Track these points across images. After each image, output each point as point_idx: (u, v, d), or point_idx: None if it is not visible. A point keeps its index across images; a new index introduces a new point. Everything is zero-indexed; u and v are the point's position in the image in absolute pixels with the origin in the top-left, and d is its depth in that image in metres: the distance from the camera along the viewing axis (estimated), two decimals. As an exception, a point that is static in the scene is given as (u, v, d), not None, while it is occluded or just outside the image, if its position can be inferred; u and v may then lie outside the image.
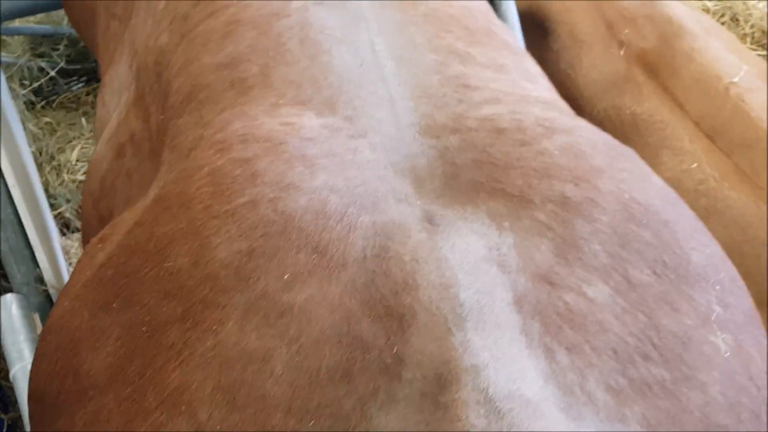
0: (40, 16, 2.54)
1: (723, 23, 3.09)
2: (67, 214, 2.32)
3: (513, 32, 1.70)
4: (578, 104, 2.19)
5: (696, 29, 2.10)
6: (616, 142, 0.77)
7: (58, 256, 1.72)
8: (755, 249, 1.85)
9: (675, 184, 1.96)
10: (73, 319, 0.67)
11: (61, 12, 2.55)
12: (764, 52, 2.93)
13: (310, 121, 0.74)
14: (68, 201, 2.35)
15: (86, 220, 1.17)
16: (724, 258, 0.70)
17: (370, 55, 0.83)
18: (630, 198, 0.67)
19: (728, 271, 0.68)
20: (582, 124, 0.77)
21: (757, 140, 1.89)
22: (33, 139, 2.49)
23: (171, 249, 0.64)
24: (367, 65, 0.82)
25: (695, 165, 1.94)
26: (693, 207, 1.95)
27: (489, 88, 0.80)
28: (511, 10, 1.98)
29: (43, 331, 0.74)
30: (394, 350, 0.55)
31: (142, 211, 0.72)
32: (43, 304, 1.61)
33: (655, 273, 0.63)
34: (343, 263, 0.59)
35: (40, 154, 2.46)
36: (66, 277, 1.72)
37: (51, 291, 1.63)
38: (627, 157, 0.74)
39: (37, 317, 1.54)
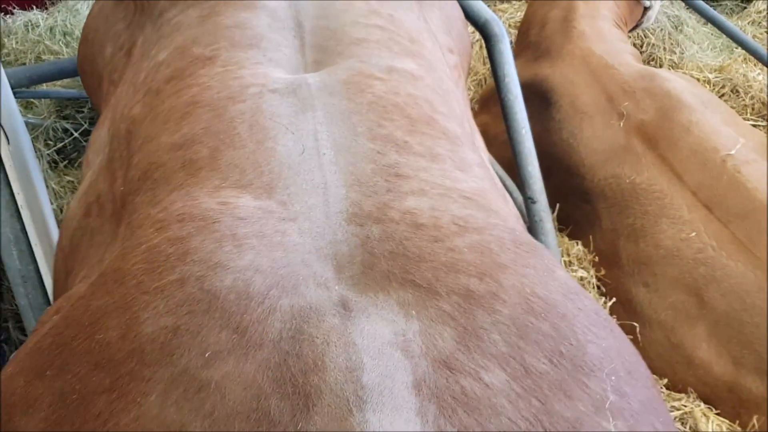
0: (66, 81, 2.67)
1: (723, 94, 3.18)
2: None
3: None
4: (580, 172, 2.26)
5: (694, 103, 2.18)
6: (526, 239, 0.81)
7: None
8: (754, 318, 1.87)
9: (674, 252, 2.02)
10: (12, 383, 0.71)
11: (88, 77, 2.69)
12: (764, 123, 3.01)
13: (246, 203, 0.80)
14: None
15: (56, 276, 1.22)
16: (623, 349, 0.73)
17: (312, 143, 0.89)
18: (531, 292, 0.71)
19: (626, 361, 0.71)
20: (494, 222, 0.82)
21: (753, 211, 1.94)
22: (55, 196, 2.59)
23: (103, 322, 0.69)
24: (308, 153, 0.87)
25: (694, 234, 1.99)
26: (692, 275, 2.01)
27: (418, 178, 0.85)
28: (514, 83, 2.07)
29: None
30: (299, 427, 0.59)
31: (87, 284, 0.77)
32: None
33: (551, 362, 0.66)
34: (260, 343, 0.64)
35: (61, 211, 2.55)
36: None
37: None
38: (533, 254, 0.78)
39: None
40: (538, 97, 2.36)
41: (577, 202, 2.28)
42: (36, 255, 1.66)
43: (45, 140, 2.70)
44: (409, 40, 1.17)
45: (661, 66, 3.38)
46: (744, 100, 3.09)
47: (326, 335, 0.65)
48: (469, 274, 0.72)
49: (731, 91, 3.14)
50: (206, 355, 0.63)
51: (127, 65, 1.30)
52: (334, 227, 0.78)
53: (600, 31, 2.45)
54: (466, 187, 0.87)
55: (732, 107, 3.12)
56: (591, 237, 2.20)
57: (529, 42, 2.57)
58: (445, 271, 0.72)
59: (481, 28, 2.00)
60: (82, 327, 0.69)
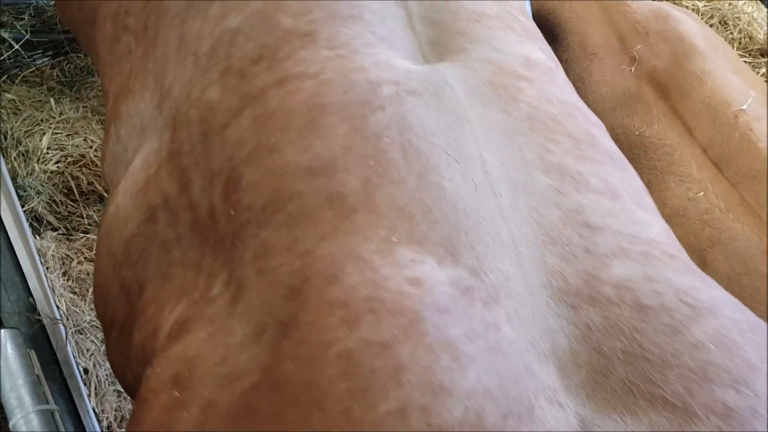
0: (3, -17, 2.29)
1: (711, 25, 3.09)
2: (39, 209, 2.15)
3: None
4: (585, 119, 2.15)
5: (706, 49, 2.08)
6: (753, 318, 0.73)
7: (44, 279, 1.58)
8: (755, 281, 1.88)
9: (681, 211, 1.98)
10: None
11: (28, -21, 2.32)
12: (750, 60, 2.95)
13: (435, 276, 0.66)
14: (39, 194, 2.17)
15: (103, 284, 1.03)
16: None
17: (481, 177, 0.75)
18: None
19: None
20: (719, 295, 0.73)
21: (762, 172, 1.90)
22: (-5, 120, 2.28)
23: None
24: (482, 192, 0.74)
25: (701, 194, 1.94)
26: (697, 236, 1.97)
27: (609, 229, 0.75)
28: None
29: None
30: None
31: (250, 385, 0.63)
32: (36, 336, 1.48)
33: None
34: None
35: (5, 138, 2.25)
36: (54, 306, 1.59)
37: (44, 321, 1.50)
38: (765, 335, 0.70)
39: (33, 354, 1.42)
40: (545, 32, 2.19)
41: (578, 149, 2.18)
42: (5, 224, 1.45)
43: (-22, 52, 2.34)
44: (520, 11, 1.01)
45: (648, -12, 3.22)
46: (732, 33, 3.01)
47: None
48: (724, 384, 0.62)
49: (719, 22, 3.05)
50: None
51: (155, 14, 1.06)
52: (543, 309, 0.66)
53: (612, -38, 2.26)
54: (657, 233, 0.78)
55: (719, 39, 3.04)
56: (593, 188, 2.12)
57: (533, -34, 2.35)
58: (698, 382, 0.62)
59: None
60: None
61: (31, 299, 1.47)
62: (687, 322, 0.67)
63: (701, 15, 3.06)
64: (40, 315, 1.48)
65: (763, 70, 2.89)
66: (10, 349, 1.36)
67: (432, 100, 0.82)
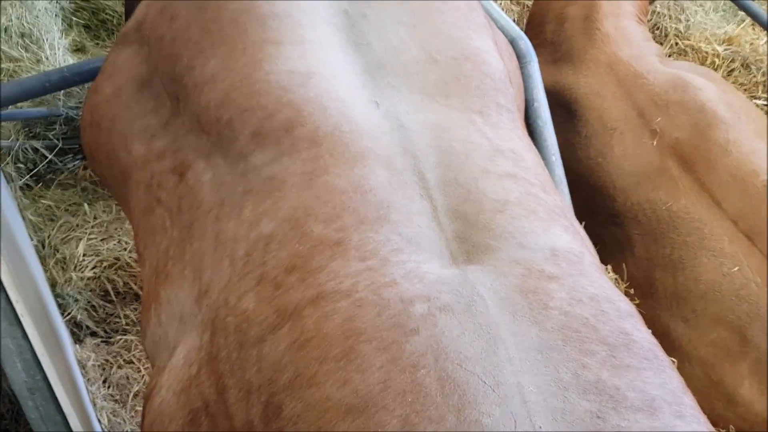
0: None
1: (733, 70, 3.05)
2: (78, 317, 2.21)
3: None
4: (610, 194, 2.13)
5: (729, 116, 2.05)
6: None
7: (89, 413, 1.62)
8: (799, 357, 1.83)
9: (716, 287, 1.94)
10: None
11: (56, 93, 2.41)
12: (778, 105, 2.90)
13: None
14: (77, 301, 2.23)
15: None
16: None
17: (520, 408, 0.75)
18: None
19: None
20: None
21: (797, 243, 1.86)
22: (34, 230, 2.36)
23: None
24: (520, 426, 0.73)
25: (736, 269, 1.90)
26: (734, 313, 1.93)
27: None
28: (538, 89, 1.91)
29: None
30: None
31: None
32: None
33: None
34: None
35: (43, 247, 2.33)
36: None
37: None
38: None
39: (75, 495, 1.45)
40: (561, 107, 2.19)
41: (605, 223, 2.16)
42: (43, 364, 1.49)
43: (15, 164, 2.44)
44: (541, 187, 1.01)
45: (666, 36, 3.20)
46: (756, 76, 2.96)
47: None
48: None
49: (741, 65, 3.01)
50: None
51: (188, 198, 1.08)
52: None
53: (625, 32, 2.25)
54: None
55: (742, 84, 3.00)
56: (624, 264, 2.09)
57: (546, 40, 2.37)
58: None
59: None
60: None
61: (72, 435, 1.50)
62: None
63: (722, 60, 3.03)
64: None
65: (792, 114, 2.83)
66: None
67: (464, 317, 0.82)
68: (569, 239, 0.98)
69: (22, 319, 1.45)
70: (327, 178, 0.96)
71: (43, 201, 2.50)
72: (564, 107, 2.22)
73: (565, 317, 0.84)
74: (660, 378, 0.84)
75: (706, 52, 3.04)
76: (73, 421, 1.51)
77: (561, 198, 1.14)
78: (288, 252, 0.92)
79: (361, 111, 1.03)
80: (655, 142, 2.07)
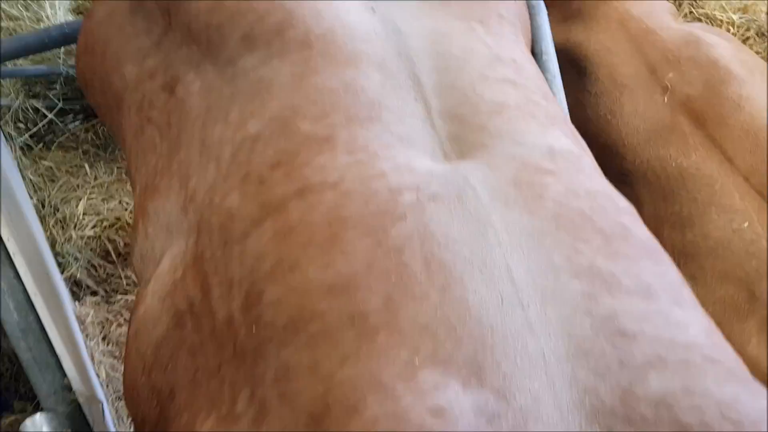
0: (34, 56, 2.36)
1: (748, 38, 2.99)
2: (78, 275, 2.19)
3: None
4: (619, 152, 2.09)
5: (742, 73, 2.00)
6: None
7: (85, 361, 1.60)
8: (811, 315, 1.78)
9: (725, 244, 1.89)
10: None
11: (56, 50, 2.38)
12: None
13: (459, 403, 0.63)
14: (77, 260, 2.21)
15: (134, 386, 1.03)
16: None
17: (508, 287, 0.72)
18: None
19: None
20: (764, 405, 0.67)
21: (811, 198, 1.81)
22: (34, 189, 2.34)
23: None
24: (508, 304, 0.71)
25: (746, 224, 1.86)
26: (743, 269, 1.88)
27: (645, 335, 0.71)
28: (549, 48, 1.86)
29: None
30: None
31: None
32: (73, 414, 1.49)
33: None
34: None
35: (43, 206, 2.31)
36: (96, 383, 1.61)
37: (80, 399, 1.51)
38: None
39: (69, 434, 1.43)
40: (571, 65, 2.14)
41: (614, 182, 2.10)
42: (35, 305, 1.46)
43: (15, 123, 2.41)
44: (541, 95, 0.98)
45: (680, 4, 3.14)
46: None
47: None
48: None
49: (756, 34, 2.94)
50: None
51: (177, 112, 1.06)
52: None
53: (636, -12, 2.20)
54: (697, 334, 0.73)
55: (757, 53, 2.93)
56: (631, 224, 2.04)
57: (555, -2, 2.31)
58: None
59: None
60: None
61: (65, 379, 1.48)
62: None
63: (737, 28, 2.97)
64: (75, 394, 1.48)
65: (807, 81, 2.77)
66: (46, 433, 1.37)
67: (454, 205, 0.79)
68: (569, 142, 0.95)
69: (13, 258, 1.42)
70: (317, 79, 0.92)
71: (44, 162, 2.48)
72: (574, 65, 2.17)
73: (559, 207, 0.81)
74: (658, 268, 0.82)
75: (721, 20, 2.98)
76: (67, 364, 1.49)
77: (562, 110, 1.11)
78: (274, 149, 0.89)
79: (356, 15, 0.99)
80: (666, 99, 2.02)
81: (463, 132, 0.91)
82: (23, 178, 2.35)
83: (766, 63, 2.28)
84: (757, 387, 0.72)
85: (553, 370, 0.67)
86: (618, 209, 0.87)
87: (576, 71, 2.16)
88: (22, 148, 2.44)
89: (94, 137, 2.61)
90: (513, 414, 0.64)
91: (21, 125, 2.44)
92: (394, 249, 0.74)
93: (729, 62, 2.01)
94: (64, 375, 1.50)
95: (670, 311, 0.75)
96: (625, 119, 2.06)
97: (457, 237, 0.76)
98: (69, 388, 1.51)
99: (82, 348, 1.60)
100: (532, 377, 0.66)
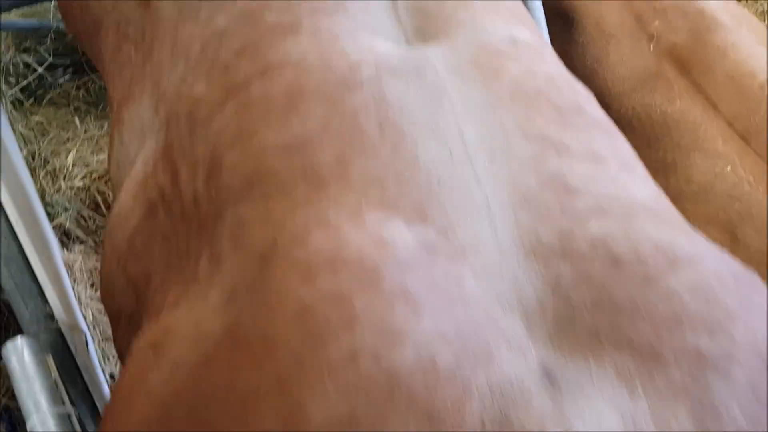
0: (24, 9, 2.37)
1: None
2: (67, 224, 2.20)
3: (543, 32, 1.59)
4: (605, 101, 2.09)
5: (729, 22, 2.00)
6: (739, 269, 0.69)
7: (67, 291, 1.61)
8: (793, 257, 1.79)
9: (708, 188, 1.90)
10: None
11: (47, 4, 2.39)
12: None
13: (402, 236, 0.65)
14: (66, 210, 2.23)
15: (110, 279, 1.06)
16: None
17: (458, 146, 0.73)
18: (764, 344, 0.60)
19: None
20: (701, 248, 0.69)
21: (794, 142, 1.81)
22: (24, 142, 2.35)
23: (256, 406, 0.56)
24: (457, 159, 0.72)
25: (729, 168, 1.86)
26: (725, 212, 1.89)
27: (589, 191, 0.72)
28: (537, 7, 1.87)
29: None
30: None
31: (213, 343, 0.63)
32: (55, 342, 1.51)
33: None
34: None
35: (33, 158, 2.32)
36: (78, 313, 1.62)
37: (63, 328, 1.53)
38: (754, 289, 0.67)
39: (50, 359, 1.44)
40: (558, 16, 2.15)
41: (599, 133, 2.12)
42: (17, 232, 1.47)
43: (6, 78, 2.43)
44: (513, 6, 0.99)
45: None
46: (763, 5, 2.90)
47: (540, 423, 0.53)
48: (697, 329, 0.59)
49: (749, -3, 2.94)
50: None
51: (151, 22, 1.08)
52: (513, 265, 0.65)
53: (624, -62, 2.20)
54: (644, 196, 0.74)
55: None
56: (616, 172, 2.05)
57: (543, -49, 2.31)
58: (668, 328, 0.59)
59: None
60: (227, 409, 0.57)
61: (48, 307, 1.49)
62: (662, 272, 0.63)
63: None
64: (57, 323, 1.50)
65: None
66: (27, 356, 1.38)
67: (412, 78, 0.81)
68: (531, 36, 0.95)
69: (-6, 184, 1.43)
70: None
71: (35, 117, 2.50)
72: (561, 16, 2.17)
73: (516, 85, 0.82)
74: (610, 141, 0.83)
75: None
76: (49, 292, 1.50)
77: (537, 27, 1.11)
78: (239, 39, 0.91)
79: None
80: (652, 47, 2.03)
81: (427, 24, 0.93)
82: (13, 131, 2.36)
83: (755, 18, 2.28)
84: (699, 237, 0.72)
85: (496, 215, 0.68)
86: (575, 91, 0.88)
87: (563, 21, 2.16)
88: (12, 103, 2.46)
89: (86, 94, 2.62)
90: (453, 246, 0.65)
91: (12, 80, 2.46)
92: (349, 113, 0.76)
93: (715, 11, 2.02)
94: (47, 302, 1.51)
95: (618, 175, 0.76)
96: (611, 68, 2.07)
97: (412, 104, 0.77)
98: (51, 316, 1.52)
99: (64, 278, 1.61)
100: (475, 220, 0.68)
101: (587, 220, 0.68)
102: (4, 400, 2.07)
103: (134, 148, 1.07)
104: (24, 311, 1.49)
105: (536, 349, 0.59)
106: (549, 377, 0.56)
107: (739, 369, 0.57)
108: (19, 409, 2.05)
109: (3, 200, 1.47)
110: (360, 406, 0.53)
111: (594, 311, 0.61)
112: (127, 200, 1.00)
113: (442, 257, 0.64)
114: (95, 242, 2.28)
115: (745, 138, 1.87)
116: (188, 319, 0.69)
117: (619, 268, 0.64)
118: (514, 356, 0.57)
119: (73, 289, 2.02)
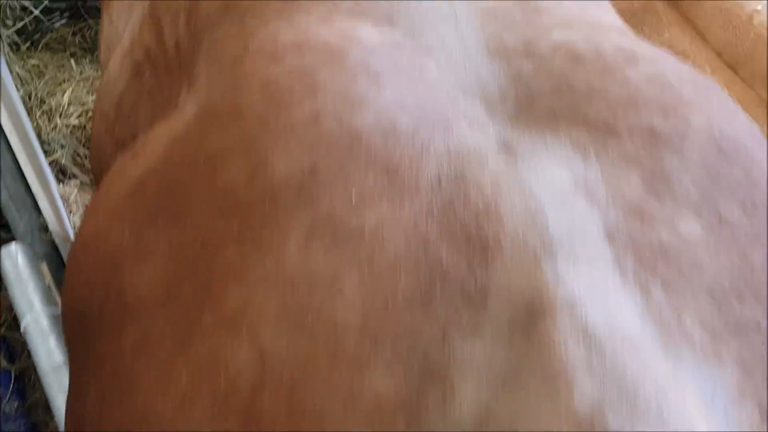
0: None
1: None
2: (63, 161, 2.23)
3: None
4: (594, 36, 2.10)
5: (718, -46, 2.00)
6: (700, 75, 0.72)
7: (58, 204, 1.64)
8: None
9: (696, 117, 1.91)
10: (112, 235, 0.62)
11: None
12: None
13: (368, 33, 0.67)
14: (62, 147, 2.25)
15: (98, 145, 1.09)
16: None
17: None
18: (719, 133, 0.63)
19: None
20: (662, 54, 0.71)
21: (781, 70, 1.83)
22: (21, 83, 2.37)
23: (224, 163, 0.59)
24: None
25: (717, 97, 1.87)
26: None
27: (558, 14, 0.74)
28: None
29: (73, 248, 0.69)
30: (478, 279, 0.51)
31: (184, 124, 0.66)
32: (49, 252, 1.54)
33: (744, 212, 0.59)
34: (416, 186, 0.55)
35: (29, 98, 2.35)
36: (69, 226, 1.65)
37: (56, 240, 1.56)
38: (714, 91, 0.69)
39: (44, 266, 1.48)
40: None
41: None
42: (12, 144, 1.50)
43: (3, 21, 2.44)
44: None
45: None
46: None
47: (494, 179, 0.56)
48: (652, 110, 0.62)
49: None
50: (352, 198, 0.53)
51: None
52: (476, 61, 0.67)
53: None
54: (612, 21, 0.76)
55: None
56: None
57: None
58: (623, 107, 0.62)
59: None
60: (197, 169, 0.60)
61: (41, 219, 1.52)
62: (621, 65, 0.66)
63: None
64: (50, 234, 1.53)
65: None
66: (20, 261, 1.41)
67: None
68: None
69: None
70: None
71: (31, 61, 2.51)
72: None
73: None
74: None
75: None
76: (43, 204, 1.53)
77: None
78: None
79: None
80: (640, -20, 2.04)
81: None
82: (10, 72, 2.38)
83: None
84: (655, 47, 0.75)
85: (463, 23, 0.71)
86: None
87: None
88: (9, 45, 2.47)
89: (82, 40, 2.64)
90: (418, 45, 0.68)
91: (9, 22, 2.47)
92: None
93: (704, -57, 2.02)
94: (40, 214, 1.54)
95: (588, 8, 0.78)
96: (600, 2, 2.08)
97: None
98: (45, 228, 1.55)
99: (55, 191, 1.64)
100: (440, 25, 0.70)
101: (551, 31, 0.71)
102: (2, 330, 2.10)
103: (122, 23, 1.09)
104: (18, 223, 1.52)
105: (494, 126, 0.61)
106: (505, 146, 0.59)
107: (692, 148, 0.60)
108: (17, 340, 2.09)
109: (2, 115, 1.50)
110: (321, 159, 0.55)
111: (552, 96, 0.63)
112: (114, 68, 1.02)
113: (407, 51, 0.67)
114: (91, 180, 2.31)
115: (733, 67, 1.89)
116: (164, 126, 0.72)
117: (579, 62, 0.66)
118: (473, 131, 0.60)
119: (68, 219, 2.05)
